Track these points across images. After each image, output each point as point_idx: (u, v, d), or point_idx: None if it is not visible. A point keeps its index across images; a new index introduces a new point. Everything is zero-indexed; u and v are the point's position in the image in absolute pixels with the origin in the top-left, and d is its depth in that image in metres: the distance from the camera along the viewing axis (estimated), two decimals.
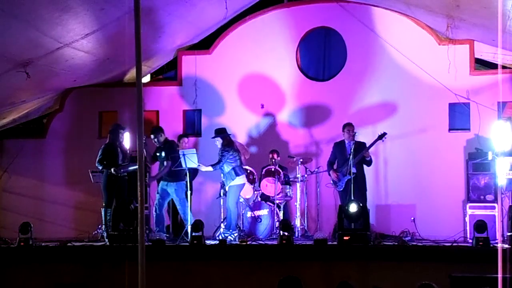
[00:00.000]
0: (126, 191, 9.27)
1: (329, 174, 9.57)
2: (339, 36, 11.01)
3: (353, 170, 9.26)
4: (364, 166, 9.58)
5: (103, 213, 9.40)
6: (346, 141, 9.53)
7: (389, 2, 10.48)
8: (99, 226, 9.72)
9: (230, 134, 9.67)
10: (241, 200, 9.84)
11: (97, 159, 9.40)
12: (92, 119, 11.40)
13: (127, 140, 9.80)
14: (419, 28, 10.66)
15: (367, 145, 9.45)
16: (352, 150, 9.23)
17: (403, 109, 10.61)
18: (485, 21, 8.97)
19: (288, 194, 9.96)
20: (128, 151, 9.65)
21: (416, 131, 10.41)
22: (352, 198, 8.99)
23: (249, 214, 9.60)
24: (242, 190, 9.71)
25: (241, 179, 9.47)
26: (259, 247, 8.52)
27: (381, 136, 9.36)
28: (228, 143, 9.51)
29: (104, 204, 9.47)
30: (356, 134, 9.45)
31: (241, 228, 9.60)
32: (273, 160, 10.05)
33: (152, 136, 9.61)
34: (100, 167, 9.38)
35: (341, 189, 9.40)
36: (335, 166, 9.63)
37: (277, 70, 11.13)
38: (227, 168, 9.40)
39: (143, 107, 4.56)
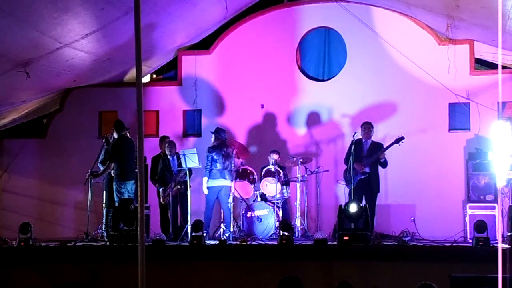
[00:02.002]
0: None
1: (354, 168, 9.29)
2: (339, 36, 11.01)
3: (367, 170, 9.25)
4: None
5: (104, 213, 9.42)
6: (363, 140, 9.51)
7: (389, 2, 10.49)
8: (99, 226, 9.73)
9: (225, 139, 9.72)
10: (241, 200, 9.88)
11: (99, 160, 9.43)
12: (92, 119, 11.40)
13: None
14: (419, 28, 10.66)
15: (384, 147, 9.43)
16: (353, 150, 9.21)
17: (403, 109, 10.62)
18: (485, 21, 8.97)
19: (285, 195, 9.96)
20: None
21: (416, 131, 10.40)
22: (363, 197, 9.02)
23: (249, 214, 9.60)
24: (242, 190, 9.72)
25: (214, 182, 9.53)
26: (259, 247, 8.52)
27: (398, 140, 9.26)
28: (214, 146, 9.63)
29: (104, 204, 9.49)
30: (356, 133, 9.43)
31: (241, 228, 9.62)
32: (274, 161, 10.03)
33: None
34: (102, 168, 9.41)
35: (353, 187, 9.30)
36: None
37: (277, 70, 11.13)
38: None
39: (143, 107, 4.54)
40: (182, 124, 11.35)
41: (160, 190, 9.67)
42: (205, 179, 9.62)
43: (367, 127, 9.52)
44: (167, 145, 9.80)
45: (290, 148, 10.88)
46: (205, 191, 9.64)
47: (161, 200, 9.67)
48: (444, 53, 10.41)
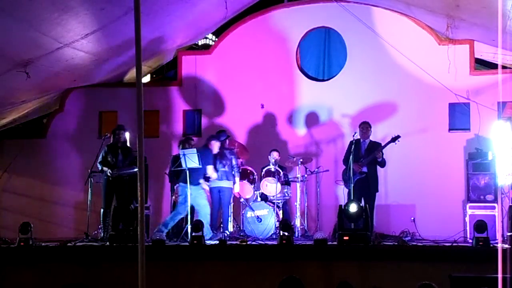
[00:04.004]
0: (126, 192, 9.30)
1: (352, 168, 9.21)
2: (339, 36, 11.02)
3: (364, 169, 9.25)
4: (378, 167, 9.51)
5: (102, 214, 9.45)
6: (361, 140, 9.51)
7: (389, 2, 10.49)
8: (99, 226, 9.73)
9: (223, 140, 9.74)
10: (241, 200, 9.87)
11: (98, 160, 9.48)
12: (92, 119, 11.40)
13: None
14: (419, 28, 10.67)
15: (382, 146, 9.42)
16: (353, 150, 9.20)
17: (403, 109, 10.62)
18: (485, 21, 8.97)
19: (286, 194, 9.96)
20: (132, 152, 9.68)
21: (416, 131, 10.41)
22: (362, 197, 9.00)
23: (249, 214, 9.60)
24: (243, 190, 9.73)
25: (212, 183, 9.58)
26: (259, 247, 8.52)
27: (395, 139, 9.25)
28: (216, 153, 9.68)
29: (102, 205, 9.52)
30: (356, 133, 9.44)
31: (241, 228, 9.62)
32: (274, 160, 10.03)
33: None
34: (100, 168, 9.46)
35: (350, 188, 9.29)
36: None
37: (277, 70, 11.13)
38: None
39: (143, 107, 4.54)
40: (182, 124, 11.36)
41: (176, 186, 9.64)
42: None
43: (365, 127, 9.51)
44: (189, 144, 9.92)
45: (290, 148, 10.88)
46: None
47: (175, 198, 9.64)
48: (444, 53, 10.41)
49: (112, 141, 9.64)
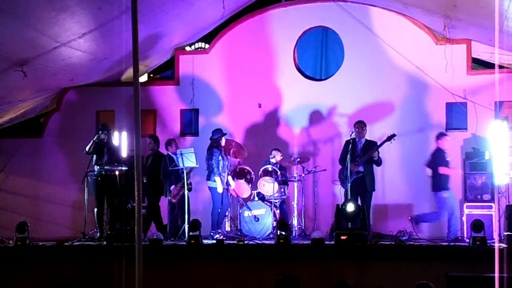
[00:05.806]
0: (116, 190, 9.32)
1: (347, 168, 9.14)
2: (337, 35, 11.02)
3: (360, 169, 9.24)
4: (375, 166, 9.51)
5: (95, 214, 9.48)
6: (357, 139, 9.50)
7: (386, 1, 10.49)
8: (96, 226, 9.73)
9: (218, 137, 9.75)
10: (239, 199, 9.88)
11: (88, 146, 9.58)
12: (89, 118, 11.39)
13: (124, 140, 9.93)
14: (417, 27, 10.67)
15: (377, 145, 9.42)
16: (350, 149, 9.19)
17: (400, 109, 10.63)
18: (482, 20, 8.98)
19: (284, 194, 9.95)
20: (117, 149, 9.76)
21: (414, 130, 10.42)
22: (358, 197, 8.99)
23: (246, 213, 9.60)
24: (240, 190, 9.73)
25: (211, 183, 9.61)
26: (256, 246, 8.52)
27: (390, 138, 9.27)
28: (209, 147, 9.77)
29: (95, 205, 9.55)
30: (353, 133, 9.44)
31: (238, 228, 9.62)
32: (275, 160, 10.00)
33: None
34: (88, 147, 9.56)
35: (347, 187, 9.28)
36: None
37: (274, 70, 11.13)
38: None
39: (140, 107, 4.54)
40: (180, 123, 11.35)
41: (172, 188, 9.61)
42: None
43: (360, 126, 9.51)
44: (175, 144, 9.95)
45: (287, 147, 10.87)
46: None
47: (173, 199, 9.59)
48: (441, 52, 10.42)
49: (97, 140, 9.65)
